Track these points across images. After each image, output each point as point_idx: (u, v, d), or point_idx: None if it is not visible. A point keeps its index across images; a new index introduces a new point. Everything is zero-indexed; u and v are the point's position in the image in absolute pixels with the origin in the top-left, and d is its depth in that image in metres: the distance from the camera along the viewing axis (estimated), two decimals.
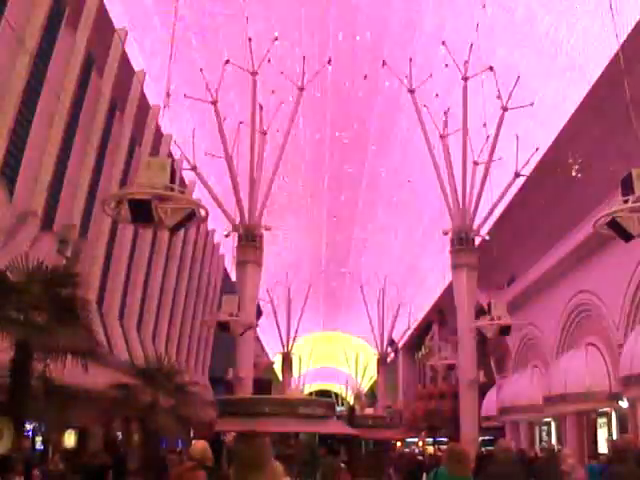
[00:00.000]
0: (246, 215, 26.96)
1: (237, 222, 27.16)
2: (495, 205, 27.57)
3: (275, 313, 54.37)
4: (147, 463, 16.91)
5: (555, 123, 27.71)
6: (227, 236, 28.62)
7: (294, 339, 59.41)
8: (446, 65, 28.54)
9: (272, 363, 54.61)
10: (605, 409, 25.17)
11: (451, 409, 37.23)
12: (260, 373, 37.94)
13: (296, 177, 42.48)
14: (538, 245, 30.45)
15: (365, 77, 33.24)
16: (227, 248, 40.25)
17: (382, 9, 28.79)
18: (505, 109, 26.51)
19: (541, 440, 32.55)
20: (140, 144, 27.35)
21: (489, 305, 24.16)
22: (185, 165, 28.08)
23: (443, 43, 27.90)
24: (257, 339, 42.08)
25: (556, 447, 28.08)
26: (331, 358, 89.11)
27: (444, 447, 27.10)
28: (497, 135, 26.72)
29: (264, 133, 30.06)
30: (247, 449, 3.32)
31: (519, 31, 26.94)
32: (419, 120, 29.22)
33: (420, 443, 47.28)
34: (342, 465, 17.32)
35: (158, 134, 28.95)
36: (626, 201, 11.47)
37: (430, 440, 44.33)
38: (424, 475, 17.96)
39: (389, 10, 28.68)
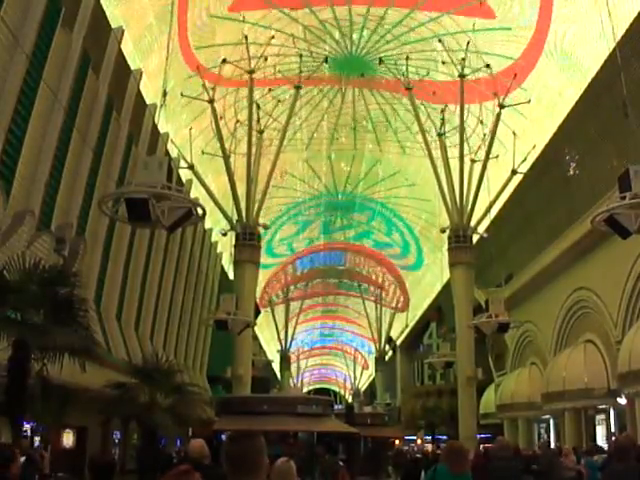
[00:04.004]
0: (243, 214, 26.96)
1: (234, 221, 27.17)
2: (492, 203, 27.60)
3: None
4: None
5: (552, 120, 27.74)
6: (224, 235, 28.64)
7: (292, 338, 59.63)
8: (443, 62, 28.57)
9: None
10: (603, 406, 25.19)
11: (449, 406, 37.23)
12: (258, 372, 37.95)
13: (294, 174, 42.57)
14: (536, 242, 30.46)
15: (362, 75, 33.23)
16: (224, 247, 40.24)
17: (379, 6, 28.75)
18: (502, 106, 26.53)
19: (539, 437, 32.57)
20: (137, 143, 27.30)
21: (487, 302, 24.16)
22: (182, 164, 28.08)
23: (440, 41, 27.93)
24: (255, 338, 42.11)
25: (553, 444, 28.14)
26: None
27: (443, 444, 27.12)
28: (494, 132, 26.75)
29: (261, 132, 30.07)
30: (239, 450, 3.18)
31: (516, 28, 26.95)
32: (416, 118, 29.25)
33: (419, 441, 47.28)
34: (341, 463, 17.33)
35: (155, 133, 28.91)
36: (623, 198, 11.45)
37: (428, 438, 44.35)
38: (422, 472, 17.93)
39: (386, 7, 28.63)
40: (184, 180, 30.49)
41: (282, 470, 4.09)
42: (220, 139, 27.17)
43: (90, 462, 5.28)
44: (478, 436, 27.89)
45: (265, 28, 28.22)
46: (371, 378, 76.75)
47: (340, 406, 51.22)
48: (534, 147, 28.21)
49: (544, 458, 15.02)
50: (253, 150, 27.84)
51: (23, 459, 12.01)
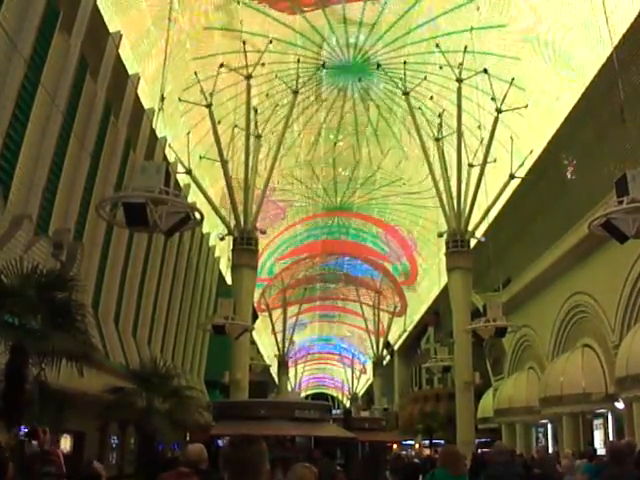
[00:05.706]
0: (241, 219, 26.94)
1: (232, 226, 27.15)
2: (490, 207, 27.61)
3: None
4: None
5: (550, 125, 27.78)
6: (222, 239, 28.59)
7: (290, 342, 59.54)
8: (440, 67, 28.62)
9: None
10: (601, 410, 25.18)
11: (447, 411, 37.22)
12: (256, 376, 37.91)
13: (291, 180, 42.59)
14: (533, 246, 30.46)
15: (359, 80, 33.28)
16: (222, 251, 40.24)
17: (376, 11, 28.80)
18: (499, 111, 26.56)
19: (537, 441, 32.53)
20: (135, 148, 27.29)
21: (484, 307, 24.16)
22: (180, 168, 28.06)
23: (437, 45, 27.97)
24: (253, 342, 42.06)
25: (551, 448, 28.12)
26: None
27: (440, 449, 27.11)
28: (491, 137, 26.78)
29: (258, 136, 30.07)
30: (241, 455, 3.18)
31: (513, 33, 27.00)
32: (414, 122, 29.27)
33: (416, 445, 47.22)
34: (338, 468, 17.31)
35: (153, 138, 28.89)
36: (621, 202, 11.45)
37: (426, 442, 44.30)
38: (420, 477, 17.91)
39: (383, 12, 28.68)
40: (182, 185, 30.48)
41: (298, 474, 4.14)
42: (218, 144, 27.16)
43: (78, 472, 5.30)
44: (476, 441, 27.86)
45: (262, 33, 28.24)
46: (369, 383, 76.68)
47: (338, 411, 51.17)
48: (531, 152, 28.23)
49: (547, 462, 14.98)
50: (251, 154, 27.85)
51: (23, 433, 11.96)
